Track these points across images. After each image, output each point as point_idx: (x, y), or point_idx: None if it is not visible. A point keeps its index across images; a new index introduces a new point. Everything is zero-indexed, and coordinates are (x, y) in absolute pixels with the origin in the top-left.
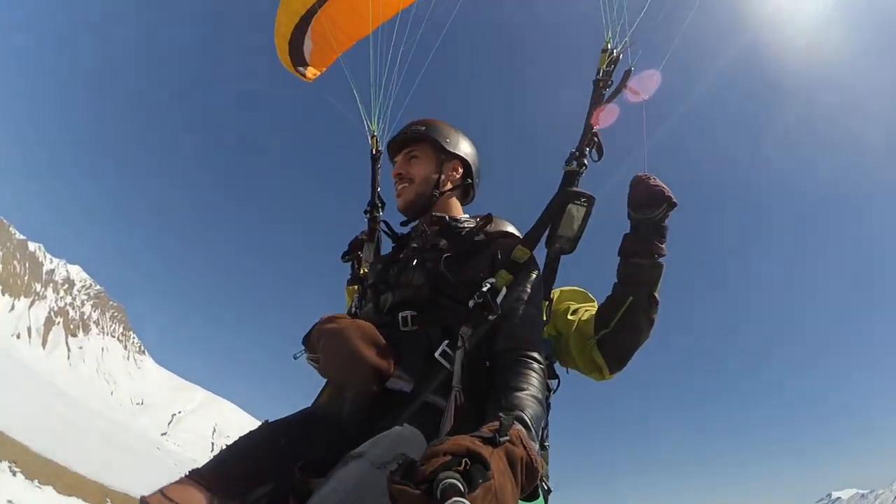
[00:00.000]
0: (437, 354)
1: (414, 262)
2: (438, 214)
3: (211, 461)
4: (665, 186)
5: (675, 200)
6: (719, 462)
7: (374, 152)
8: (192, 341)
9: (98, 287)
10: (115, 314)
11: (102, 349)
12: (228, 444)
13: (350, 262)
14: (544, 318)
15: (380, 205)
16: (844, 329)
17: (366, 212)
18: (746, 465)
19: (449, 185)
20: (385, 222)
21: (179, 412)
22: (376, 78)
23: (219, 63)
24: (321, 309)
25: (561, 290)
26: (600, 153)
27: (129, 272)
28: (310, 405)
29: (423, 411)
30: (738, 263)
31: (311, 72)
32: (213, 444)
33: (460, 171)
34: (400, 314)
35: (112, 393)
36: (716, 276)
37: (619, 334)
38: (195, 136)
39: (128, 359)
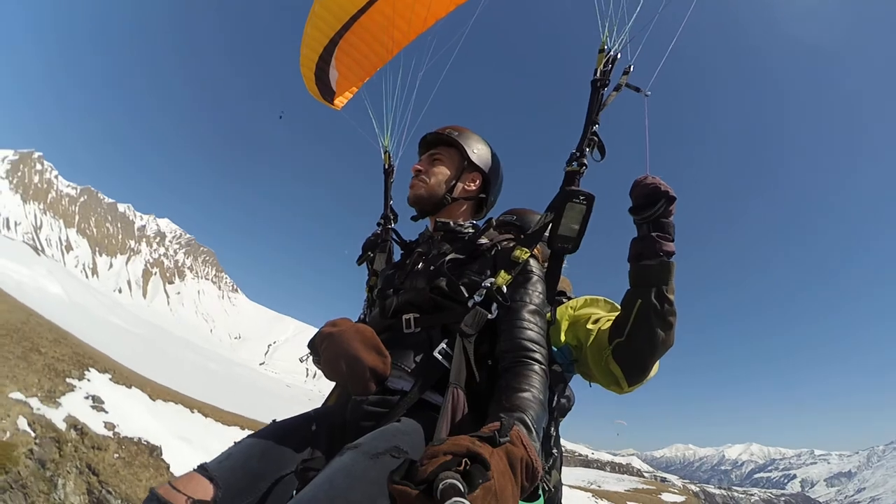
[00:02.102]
0: (435, 353)
1: (418, 267)
2: (443, 220)
3: (219, 456)
4: (661, 182)
5: (672, 194)
6: (785, 396)
7: (386, 167)
8: (281, 275)
9: (188, 235)
10: (207, 258)
11: (198, 292)
12: (237, 441)
13: (365, 264)
14: (548, 320)
15: (392, 217)
16: None
17: (379, 224)
18: (813, 400)
19: (462, 194)
20: (395, 231)
21: (274, 342)
22: (389, 95)
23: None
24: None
25: (585, 299)
26: (602, 153)
27: (215, 217)
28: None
29: (421, 408)
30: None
31: (339, 101)
32: (307, 369)
33: (478, 183)
34: (403, 316)
35: (211, 331)
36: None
37: (633, 342)
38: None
39: (222, 298)
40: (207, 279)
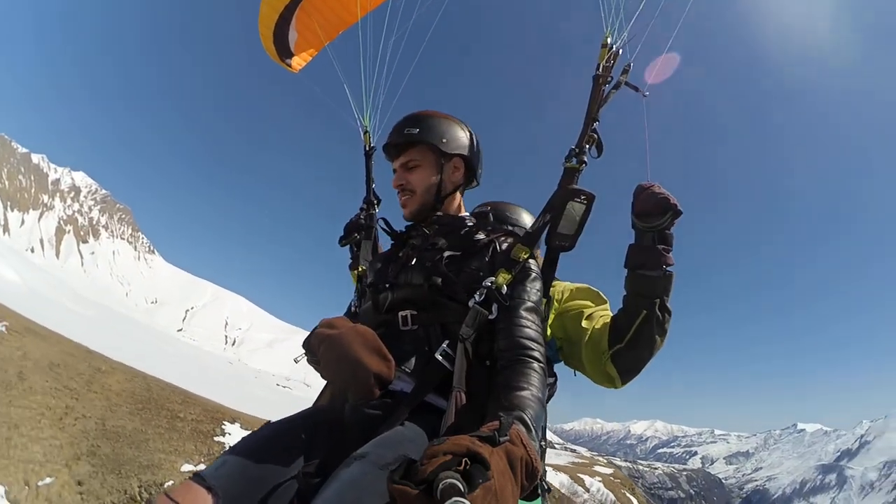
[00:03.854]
0: (437, 355)
1: (413, 261)
2: (437, 213)
3: (215, 463)
4: (670, 194)
5: (680, 209)
6: (689, 378)
7: (367, 149)
8: (199, 236)
9: (104, 191)
10: (123, 216)
11: (114, 252)
12: (232, 446)
13: (349, 246)
14: (544, 317)
15: (375, 202)
16: (835, 268)
17: (362, 209)
18: (715, 383)
19: (451, 187)
20: (384, 219)
21: (192, 308)
22: (366, 72)
23: None
24: (335, 212)
25: (572, 289)
26: (600, 150)
27: (133, 171)
28: (311, 406)
29: (423, 412)
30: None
31: (296, 62)
32: (225, 336)
33: (462, 168)
34: (399, 313)
35: (127, 294)
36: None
37: (633, 349)
38: (196, 32)
39: (139, 259)
40: (123, 239)
